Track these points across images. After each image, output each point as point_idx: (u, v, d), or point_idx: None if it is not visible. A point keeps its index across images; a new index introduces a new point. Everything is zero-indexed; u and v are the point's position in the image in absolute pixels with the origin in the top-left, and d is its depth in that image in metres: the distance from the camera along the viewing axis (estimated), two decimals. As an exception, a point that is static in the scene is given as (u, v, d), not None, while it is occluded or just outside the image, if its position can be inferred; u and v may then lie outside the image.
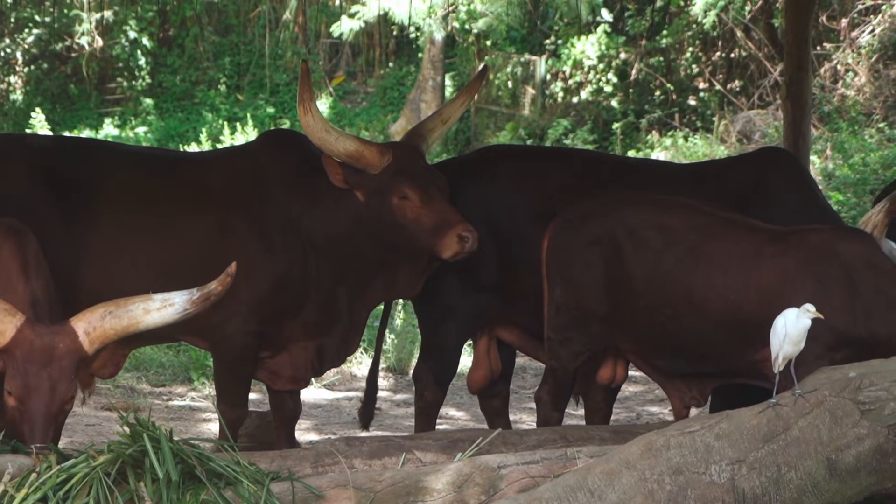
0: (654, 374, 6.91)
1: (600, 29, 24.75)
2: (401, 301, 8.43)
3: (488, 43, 26.23)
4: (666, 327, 6.56)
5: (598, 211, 6.84)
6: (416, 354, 7.96)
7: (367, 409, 7.78)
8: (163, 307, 5.72)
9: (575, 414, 8.95)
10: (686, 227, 6.60)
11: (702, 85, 24.41)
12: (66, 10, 25.41)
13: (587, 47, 24.81)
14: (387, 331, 12.45)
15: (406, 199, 6.88)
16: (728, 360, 6.49)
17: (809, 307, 5.50)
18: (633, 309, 6.65)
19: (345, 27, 25.84)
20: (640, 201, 6.86)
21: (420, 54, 27.57)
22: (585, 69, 24.96)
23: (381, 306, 7.65)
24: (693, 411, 6.82)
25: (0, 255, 5.89)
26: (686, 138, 22.84)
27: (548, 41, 25.91)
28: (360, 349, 11.76)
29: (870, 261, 6.34)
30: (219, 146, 23.24)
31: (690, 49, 24.55)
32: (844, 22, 22.57)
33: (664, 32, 24.62)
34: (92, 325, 5.64)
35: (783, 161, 7.75)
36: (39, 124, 24.29)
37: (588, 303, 6.74)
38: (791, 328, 5.49)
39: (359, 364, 12.14)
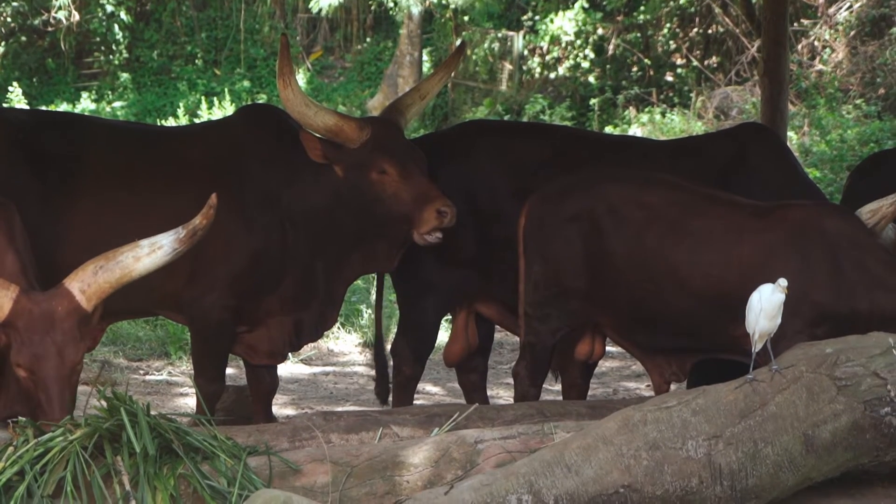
0: (633, 350, 6.91)
1: (577, 4, 24.70)
2: (378, 275, 8.38)
3: (466, 18, 26.17)
4: (647, 303, 6.56)
5: (578, 187, 6.82)
6: (395, 329, 7.94)
7: (382, 385, 7.75)
8: (152, 251, 5.68)
9: (552, 389, 8.97)
10: (667, 202, 6.59)
11: (679, 61, 24.40)
12: (43, -16, 25.28)
13: (564, 23, 24.76)
14: (364, 306, 12.55)
15: (385, 174, 6.88)
16: (710, 336, 6.48)
17: (782, 282, 5.49)
18: (613, 285, 6.63)
19: (323, 2, 25.72)
20: (619, 177, 6.84)
21: (398, 30, 27.48)
22: (563, 45, 24.92)
23: (375, 283, 7.61)
24: (672, 386, 6.83)
25: None
26: (663, 114, 22.84)
27: (525, 17, 25.87)
28: (338, 324, 11.74)
29: (853, 238, 6.33)
30: (196, 121, 23.16)
31: (668, 25, 24.53)
32: (822, -2, 22.59)
33: (641, 8, 24.59)
34: (86, 283, 5.61)
35: (763, 136, 7.76)
36: (16, 98, 24.17)
37: (567, 279, 6.73)
38: (766, 303, 5.49)
39: (335, 339, 12.13)
